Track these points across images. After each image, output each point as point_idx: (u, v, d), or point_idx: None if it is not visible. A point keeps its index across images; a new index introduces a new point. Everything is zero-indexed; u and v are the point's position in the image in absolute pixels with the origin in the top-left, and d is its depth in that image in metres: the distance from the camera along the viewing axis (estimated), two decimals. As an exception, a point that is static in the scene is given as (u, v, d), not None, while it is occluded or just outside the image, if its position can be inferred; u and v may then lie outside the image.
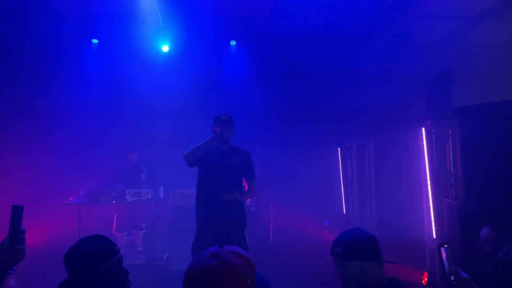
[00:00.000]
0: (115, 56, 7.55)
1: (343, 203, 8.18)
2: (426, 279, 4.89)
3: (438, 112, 4.91)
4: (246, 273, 1.34)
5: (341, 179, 8.18)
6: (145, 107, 7.59)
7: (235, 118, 3.91)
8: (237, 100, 7.53)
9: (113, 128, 7.60)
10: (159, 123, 7.69)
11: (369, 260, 1.92)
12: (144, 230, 7.04)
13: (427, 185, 4.93)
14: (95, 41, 7.63)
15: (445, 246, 1.76)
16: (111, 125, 7.60)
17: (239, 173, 3.84)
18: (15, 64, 7.14)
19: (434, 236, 4.76)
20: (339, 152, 8.33)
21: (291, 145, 8.04)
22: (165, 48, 7.69)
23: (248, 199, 4.60)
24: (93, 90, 7.47)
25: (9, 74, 7.16)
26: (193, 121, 7.24)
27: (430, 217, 4.85)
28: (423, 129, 4.99)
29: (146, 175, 7.11)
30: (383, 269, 1.96)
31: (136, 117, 7.62)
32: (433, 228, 4.80)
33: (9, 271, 1.76)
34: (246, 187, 4.06)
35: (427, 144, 4.93)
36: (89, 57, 7.56)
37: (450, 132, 4.96)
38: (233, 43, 7.90)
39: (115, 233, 6.89)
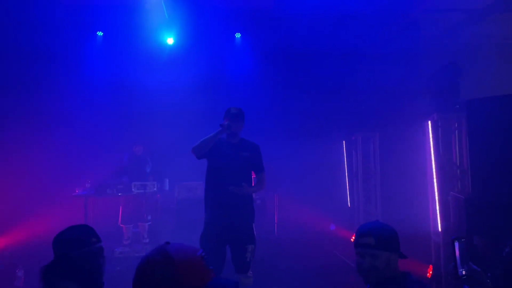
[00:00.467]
0: (120, 49, 7.54)
1: (348, 196, 8.19)
2: (431, 272, 4.89)
3: (445, 105, 4.88)
4: (199, 252, 1.36)
5: (346, 172, 8.18)
6: (150, 100, 7.60)
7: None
8: (242, 92, 7.52)
9: (118, 121, 7.62)
10: (164, 116, 7.70)
11: (395, 252, 1.97)
12: (150, 222, 7.08)
13: (432, 178, 4.91)
14: (100, 33, 7.62)
15: (460, 240, 1.76)
16: (117, 117, 7.62)
17: (248, 166, 3.84)
18: (22, 56, 7.15)
19: (440, 229, 4.75)
20: (344, 145, 8.32)
21: (296, 138, 8.03)
22: (170, 41, 7.67)
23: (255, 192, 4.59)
24: (99, 83, 7.48)
25: (15, 67, 7.18)
26: (199, 113, 7.25)
27: (436, 210, 4.84)
28: (429, 122, 4.96)
29: (152, 167, 7.14)
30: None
31: (141, 110, 7.64)
32: (439, 221, 4.79)
33: None
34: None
35: (433, 137, 4.91)
36: (94, 49, 7.56)
37: (456, 126, 4.94)
38: (238, 35, 7.86)
39: (121, 225, 6.94)
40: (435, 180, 4.85)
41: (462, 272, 1.76)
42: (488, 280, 1.74)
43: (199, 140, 3.69)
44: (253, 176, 4.00)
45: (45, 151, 7.32)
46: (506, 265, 2.41)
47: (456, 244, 1.76)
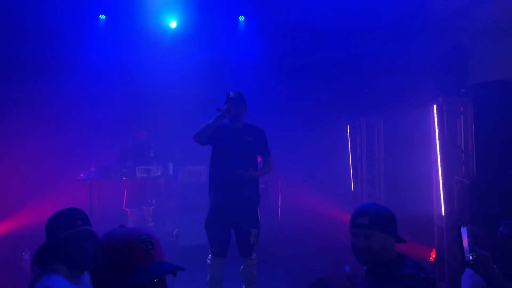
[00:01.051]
0: (123, 33, 7.49)
1: (352, 180, 8.19)
2: (434, 256, 4.92)
3: (451, 89, 4.83)
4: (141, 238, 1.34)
5: (350, 156, 8.16)
6: (154, 85, 7.57)
7: (245, 96, 3.87)
8: (246, 76, 7.48)
9: (123, 105, 7.61)
10: (168, 100, 7.68)
11: (390, 234, 1.95)
12: (154, 206, 7.14)
13: (437, 162, 4.90)
14: (102, 16, 7.56)
15: (466, 225, 1.78)
16: (121, 102, 7.61)
17: (252, 151, 3.82)
18: (24, 40, 7.11)
19: (443, 213, 4.75)
20: (348, 129, 8.29)
21: (300, 122, 8.01)
22: (173, 24, 7.60)
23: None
24: (103, 67, 7.44)
25: (18, 51, 7.14)
26: (203, 98, 7.22)
27: (440, 194, 4.83)
28: (435, 106, 4.92)
29: (155, 152, 7.16)
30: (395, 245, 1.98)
31: (145, 94, 7.61)
32: (442, 205, 4.79)
33: None
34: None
35: (438, 121, 4.87)
36: (97, 33, 7.51)
37: (462, 109, 4.90)
38: (241, 18, 7.78)
39: (126, 208, 7.00)
40: (439, 164, 4.83)
41: (469, 257, 1.76)
42: (495, 265, 1.76)
43: (200, 129, 3.68)
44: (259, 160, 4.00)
45: (50, 135, 7.34)
46: (503, 244, 2.40)
47: (463, 230, 1.76)
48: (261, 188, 6.37)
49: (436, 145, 4.91)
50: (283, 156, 7.58)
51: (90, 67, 7.45)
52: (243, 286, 3.83)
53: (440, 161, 4.81)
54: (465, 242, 1.77)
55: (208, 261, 3.78)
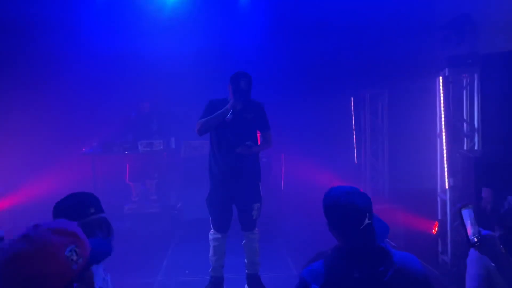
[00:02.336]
0: (124, 6, 7.28)
1: (355, 153, 8.15)
2: (436, 229, 4.93)
3: (457, 60, 4.72)
4: (68, 249, 1.17)
5: (353, 129, 8.10)
6: (157, 58, 7.43)
7: (246, 68, 3.77)
8: (247, 49, 7.33)
9: (125, 78, 7.51)
10: (171, 74, 7.56)
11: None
12: (157, 180, 7.15)
13: (441, 135, 4.84)
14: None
15: (467, 207, 1.73)
16: (123, 75, 7.50)
17: (253, 127, 3.77)
18: (26, 20, 6.96)
19: (447, 186, 4.74)
20: (352, 101, 8.19)
21: (303, 95, 7.90)
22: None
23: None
24: (105, 41, 7.29)
25: (19, 29, 7.00)
26: (206, 71, 7.12)
27: (444, 167, 4.80)
28: (440, 78, 4.83)
29: (158, 125, 7.12)
30: None
31: (148, 67, 7.49)
32: (446, 178, 4.77)
33: None
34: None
35: (443, 93, 4.79)
36: (98, 6, 7.31)
37: (468, 81, 4.80)
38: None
39: (129, 182, 7.02)
40: (444, 137, 4.78)
41: (474, 239, 1.72)
42: (501, 246, 1.72)
43: (204, 121, 3.60)
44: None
45: (52, 109, 7.30)
46: (507, 221, 2.36)
47: (464, 212, 1.70)
48: (264, 162, 6.35)
49: (441, 117, 4.84)
50: (285, 130, 7.52)
51: (92, 40, 7.30)
52: (246, 260, 3.85)
53: (445, 134, 4.76)
54: (468, 224, 1.72)
55: (210, 236, 3.80)
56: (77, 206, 1.90)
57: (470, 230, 1.72)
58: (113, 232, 2.03)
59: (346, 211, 1.63)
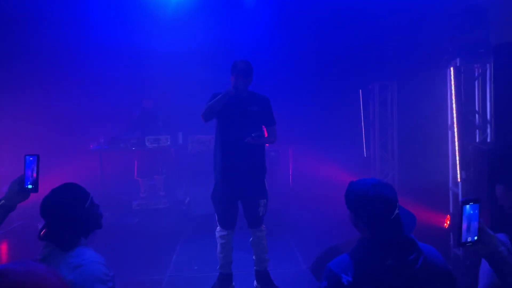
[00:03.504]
0: (129, 2, 7.24)
1: (364, 146, 8.07)
2: (448, 222, 4.85)
3: (469, 50, 4.60)
4: None
5: (363, 121, 8.01)
6: (162, 53, 7.39)
7: (253, 61, 3.73)
8: (254, 43, 7.26)
9: (130, 74, 7.48)
10: (177, 69, 7.52)
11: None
12: (165, 175, 7.15)
13: (453, 127, 4.74)
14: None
15: (473, 203, 1.56)
16: (128, 70, 7.48)
17: (258, 121, 3.72)
18: (25, 14, 6.94)
19: (459, 179, 4.65)
20: (361, 94, 8.09)
21: (311, 88, 7.82)
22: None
23: (267, 144, 4.52)
24: (111, 36, 7.25)
25: (23, 25, 6.99)
26: (210, 65, 7.07)
27: (456, 160, 4.71)
28: (452, 68, 4.71)
29: (163, 121, 7.10)
30: None
31: (152, 63, 7.46)
32: (458, 171, 4.67)
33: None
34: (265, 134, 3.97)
35: (455, 84, 4.68)
36: (104, 2, 7.27)
37: (480, 72, 4.69)
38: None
39: (137, 178, 7.02)
40: (455, 129, 4.68)
41: (467, 239, 1.57)
42: (502, 248, 1.59)
43: (207, 106, 3.56)
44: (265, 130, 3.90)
45: (58, 106, 7.30)
46: None
47: (467, 208, 1.56)
48: (272, 156, 6.30)
49: (452, 109, 4.74)
50: (294, 123, 7.46)
51: (97, 38, 7.28)
52: (254, 257, 3.81)
53: (456, 126, 4.66)
54: (466, 221, 1.56)
55: (217, 233, 3.76)
56: (78, 188, 2.08)
57: (465, 227, 1.56)
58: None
59: (376, 203, 1.66)
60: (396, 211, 1.67)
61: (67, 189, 2.07)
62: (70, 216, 1.99)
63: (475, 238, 1.58)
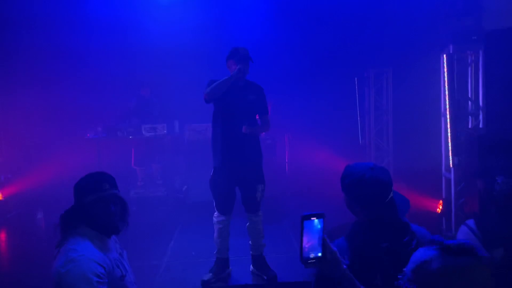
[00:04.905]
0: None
1: (359, 132, 8.12)
2: (441, 207, 4.94)
3: (461, 37, 4.64)
4: None
5: (358, 109, 8.05)
6: (157, 41, 7.37)
7: (250, 49, 3.77)
8: (250, 30, 7.25)
9: (125, 63, 7.47)
10: (172, 57, 7.51)
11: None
12: (162, 164, 7.19)
13: (446, 114, 4.81)
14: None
15: (316, 218, 1.48)
16: (124, 60, 7.46)
17: (254, 110, 3.81)
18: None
19: (451, 165, 4.72)
20: (356, 81, 8.12)
21: (306, 76, 7.84)
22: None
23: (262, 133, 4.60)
24: (104, 26, 7.22)
25: (24, 10, 6.96)
26: (207, 53, 7.06)
27: (448, 146, 4.78)
28: (445, 55, 4.76)
29: (160, 109, 7.12)
30: None
31: (148, 51, 7.44)
32: (450, 157, 4.75)
33: None
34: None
35: (447, 71, 4.73)
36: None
37: (473, 58, 4.74)
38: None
39: (134, 167, 7.06)
40: (448, 115, 4.75)
41: (310, 255, 1.47)
42: (345, 266, 1.51)
43: (211, 86, 3.60)
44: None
45: (55, 96, 7.32)
46: (501, 204, 2.34)
47: (308, 223, 1.47)
48: (268, 144, 6.35)
49: (445, 95, 4.80)
50: (289, 111, 7.50)
51: (92, 26, 7.25)
52: (250, 242, 3.89)
53: (449, 113, 4.72)
54: (307, 236, 1.47)
55: (215, 219, 3.83)
56: (92, 181, 2.02)
57: (307, 243, 1.47)
58: (127, 208, 2.14)
59: (372, 186, 1.67)
60: (391, 195, 1.69)
61: (85, 176, 2.06)
62: (74, 202, 2.03)
63: (319, 254, 1.49)
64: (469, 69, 4.82)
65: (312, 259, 1.48)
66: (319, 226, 1.49)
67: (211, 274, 3.79)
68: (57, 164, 6.67)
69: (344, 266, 1.55)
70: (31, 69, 7.24)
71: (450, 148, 4.73)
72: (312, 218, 1.48)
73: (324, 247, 1.49)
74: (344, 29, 7.27)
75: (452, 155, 4.71)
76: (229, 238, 3.87)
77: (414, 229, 1.73)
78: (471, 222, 2.35)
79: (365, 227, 1.70)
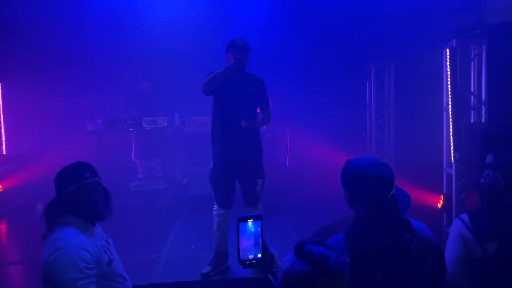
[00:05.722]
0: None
1: (360, 126, 8.09)
2: (441, 202, 4.92)
3: (464, 31, 4.59)
4: None
5: (359, 103, 8.01)
6: (157, 34, 7.33)
7: (249, 39, 3.74)
8: (252, 24, 7.21)
9: (127, 56, 7.44)
10: (173, 50, 7.47)
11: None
12: (162, 157, 7.18)
13: (448, 108, 4.77)
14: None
15: (252, 220, 1.48)
16: (124, 52, 7.43)
17: (254, 103, 3.77)
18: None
19: (453, 160, 4.69)
20: (357, 75, 8.07)
21: (307, 69, 7.80)
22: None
23: (264, 127, 4.59)
24: (105, 19, 7.17)
25: (23, 6, 6.92)
26: (208, 46, 7.02)
27: (450, 141, 4.75)
28: (447, 49, 4.71)
29: (160, 102, 7.10)
30: None
31: (149, 44, 7.41)
32: (452, 152, 4.72)
33: None
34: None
35: (450, 65, 4.68)
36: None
37: (476, 52, 4.69)
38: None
39: (135, 159, 7.05)
40: (450, 110, 4.71)
41: (249, 257, 1.50)
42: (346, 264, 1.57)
43: (209, 76, 3.57)
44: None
45: (56, 89, 7.32)
46: (485, 197, 2.33)
47: (244, 225, 1.48)
48: (268, 138, 6.34)
49: (447, 90, 4.75)
50: (290, 105, 7.47)
51: (93, 20, 7.21)
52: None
53: (451, 107, 4.68)
54: (244, 238, 1.48)
55: (214, 212, 3.83)
56: (73, 171, 2.07)
57: (244, 245, 1.49)
58: (110, 195, 2.19)
59: (375, 183, 1.63)
60: (393, 191, 1.66)
61: (65, 167, 2.09)
62: (56, 193, 2.05)
63: (259, 255, 1.51)
64: (472, 63, 4.77)
65: (251, 260, 1.51)
66: (258, 229, 1.50)
67: (210, 267, 3.79)
68: (57, 156, 6.66)
69: (346, 262, 1.55)
70: (32, 64, 7.22)
71: (451, 143, 4.70)
72: (248, 221, 1.49)
73: (263, 249, 1.51)
74: (346, 23, 7.22)
75: (453, 150, 4.67)
76: (228, 232, 3.86)
77: (416, 227, 1.70)
78: (465, 216, 2.35)
79: (366, 224, 1.67)
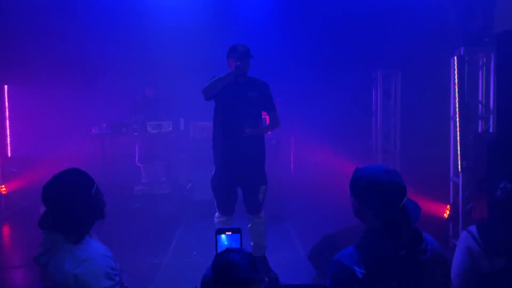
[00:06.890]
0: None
1: (366, 134, 8.04)
2: (448, 212, 4.86)
3: (472, 39, 4.54)
4: None
5: (365, 111, 7.96)
6: (163, 38, 7.34)
7: (254, 45, 3.72)
8: (257, 30, 7.20)
9: (132, 60, 7.45)
10: (178, 55, 7.48)
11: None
12: (166, 161, 7.17)
13: (455, 117, 4.71)
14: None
15: (229, 233, 1.53)
16: (131, 57, 7.44)
17: (257, 107, 3.71)
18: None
19: (460, 169, 4.63)
20: (364, 83, 8.03)
21: (312, 77, 7.76)
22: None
23: (269, 132, 4.54)
24: (112, 23, 7.20)
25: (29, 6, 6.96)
26: (212, 51, 7.01)
27: (457, 150, 4.69)
28: (455, 57, 4.67)
29: (165, 107, 7.10)
30: None
31: (155, 48, 7.42)
32: (459, 161, 4.65)
33: None
34: (267, 120, 3.97)
35: (458, 73, 4.63)
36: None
37: (484, 61, 4.64)
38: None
39: (139, 163, 7.04)
40: (457, 119, 4.65)
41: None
42: (361, 276, 1.55)
43: (209, 81, 3.54)
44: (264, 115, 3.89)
45: (60, 91, 7.33)
46: (500, 210, 2.26)
47: (219, 238, 1.53)
48: (273, 144, 6.30)
49: (455, 98, 4.70)
50: (295, 112, 7.44)
51: (99, 23, 7.23)
52: (252, 243, 3.83)
53: (459, 116, 4.63)
54: (224, 249, 1.54)
55: (216, 219, 3.78)
56: (83, 175, 1.99)
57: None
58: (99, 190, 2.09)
59: (390, 188, 1.61)
60: (405, 199, 1.64)
61: (72, 175, 1.95)
62: (76, 203, 1.88)
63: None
64: (480, 71, 4.72)
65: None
66: (237, 241, 1.55)
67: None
68: (62, 159, 6.66)
69: (360, 276, 1.55)
70: (38, 67, 7.24)
71: (458, 151, 4.64)
72: (226, 233, 1.54)
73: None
74: (352, 30, 7.19)
75: (460, 159, 4.61)
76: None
77: (425, 236, 1.68)
78: (473, 228, 2.27)
79: (379, 235, 1.63)
